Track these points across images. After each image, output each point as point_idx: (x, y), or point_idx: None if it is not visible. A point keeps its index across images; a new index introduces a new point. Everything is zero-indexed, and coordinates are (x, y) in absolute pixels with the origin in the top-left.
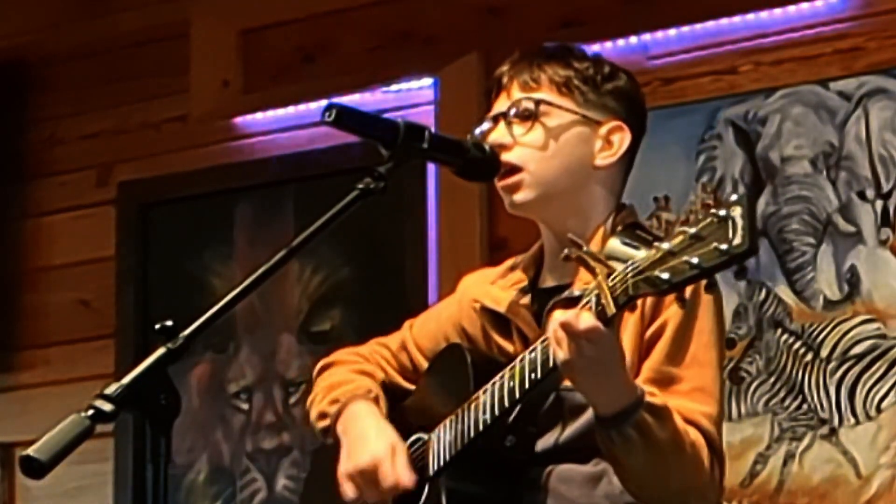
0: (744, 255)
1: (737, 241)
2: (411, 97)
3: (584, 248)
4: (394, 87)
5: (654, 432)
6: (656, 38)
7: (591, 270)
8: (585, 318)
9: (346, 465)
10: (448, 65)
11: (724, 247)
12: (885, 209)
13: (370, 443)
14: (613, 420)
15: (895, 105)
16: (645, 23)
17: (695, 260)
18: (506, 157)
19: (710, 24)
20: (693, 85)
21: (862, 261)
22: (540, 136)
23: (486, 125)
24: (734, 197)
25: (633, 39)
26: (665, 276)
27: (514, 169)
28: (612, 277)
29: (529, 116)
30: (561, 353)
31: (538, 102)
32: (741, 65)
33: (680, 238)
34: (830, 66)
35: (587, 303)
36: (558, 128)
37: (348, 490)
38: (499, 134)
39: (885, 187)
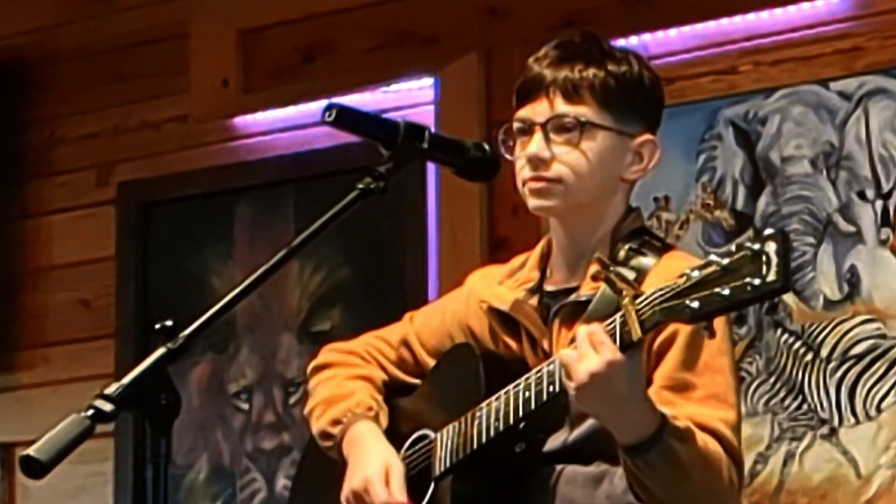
0: (777, 292)
1: (771, 276)
2: (411, 97)
3: (612, 269)
4: (394, 87)
5: (679, 456)
6: (656, 38)
7: (619, 292)
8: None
9: (344, 489)
10: (448, 65)
11: (756, 282)
12: (885, 209)
13: (363, 465)
14: (638, 448)
15: (895, 105)
16: (645, 23)
17: (726, 292)
18: (543, 173)
19: (710, 24)
20: (693, 85)
21: (862, 261)
22: (581, 157)
23: (517, 126)
24: (769, 231)
25: (634, 39)
26: (695, 304)
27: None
28: (639, 301)
29: (571, 131)
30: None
31: (583, 124)
32: (741, 65)
33: (712, 268)
34: (830, 66)
35: (612, 325)
36: (599, 148)
37: None
38: (538, 147)
39: (885, 187)
